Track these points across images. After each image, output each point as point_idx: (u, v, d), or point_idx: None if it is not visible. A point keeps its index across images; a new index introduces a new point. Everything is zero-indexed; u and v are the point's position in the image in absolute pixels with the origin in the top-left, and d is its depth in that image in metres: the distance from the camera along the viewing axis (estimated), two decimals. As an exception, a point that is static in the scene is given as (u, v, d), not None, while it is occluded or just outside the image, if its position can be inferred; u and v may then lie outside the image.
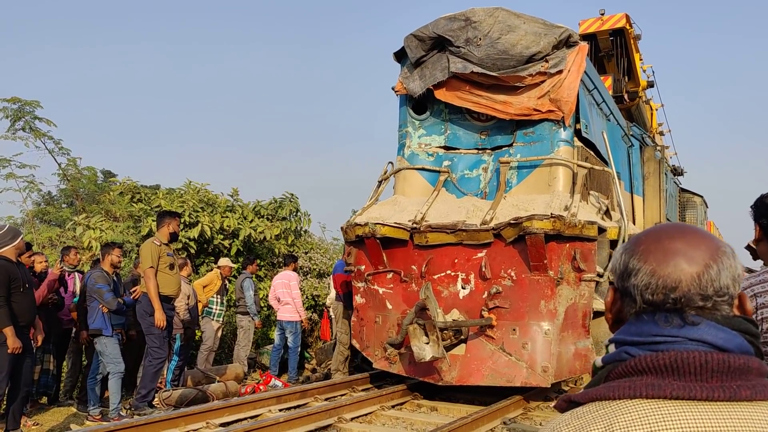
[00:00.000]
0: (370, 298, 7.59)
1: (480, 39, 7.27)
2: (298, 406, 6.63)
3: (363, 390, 7.66)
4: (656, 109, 16.91)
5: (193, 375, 8.44)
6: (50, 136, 12.49)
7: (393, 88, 8.30)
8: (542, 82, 7.30)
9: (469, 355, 6.72)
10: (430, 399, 7.33)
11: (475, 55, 7.27)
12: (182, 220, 10.21)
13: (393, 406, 6.89)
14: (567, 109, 7.26)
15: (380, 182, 8.44)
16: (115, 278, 7.34)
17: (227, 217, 10.90)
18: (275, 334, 9.64)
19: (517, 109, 7.41)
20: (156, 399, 6.98)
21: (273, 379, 8.70)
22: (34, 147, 12.20)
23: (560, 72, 7.23)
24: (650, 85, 14.33)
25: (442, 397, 7.45)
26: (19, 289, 5.57)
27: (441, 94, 7.73)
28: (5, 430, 5.93)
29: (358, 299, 7.79)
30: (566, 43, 7.23)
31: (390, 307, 7.37)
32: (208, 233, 10.32)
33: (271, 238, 11.46)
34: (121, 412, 6.89)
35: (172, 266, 6.91)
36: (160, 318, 6.65)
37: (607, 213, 7.43)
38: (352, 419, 6.14)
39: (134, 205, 11.17)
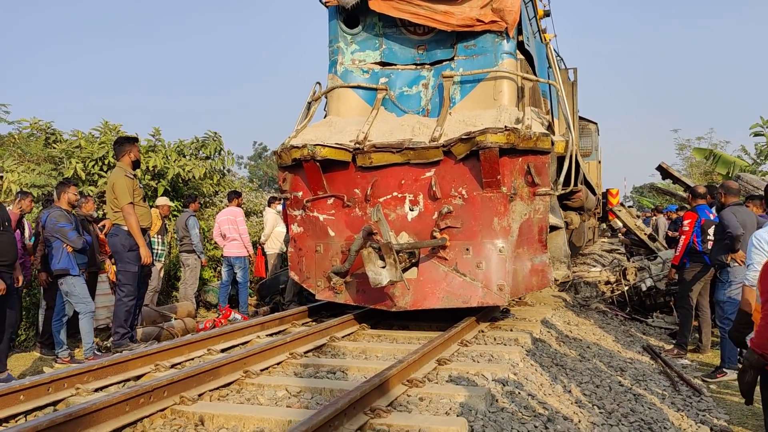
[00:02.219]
0: (309, 226, 7.09)
1: (417, -57, 6.74)
2: (280, 332, 6.67)
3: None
4: (550, 40, 17.21)
5: (148, 314, 8.18)
6: None
7: (321, 0, 7.62)
8: (485, -10, 6.93)
9: (422, 278, 6.43)
10: (374, 329, 7.05)
11: (413, -38, 6.74)
12: (105, 162, 9.33)
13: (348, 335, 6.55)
14: (511, 19, 6.94)
15: (309, 103, 7.83)
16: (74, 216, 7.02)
17: (150, 157, 9.99)
18: (223, 270, 9.65)
19: (459, 20, 6.99)
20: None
21: (233, 312, 8.75)
22: None
23: (504, -20, 6.87)
24: (547, 14, 14.41)
25: (386, 326, 7.20)
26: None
27: (375, 5, 7.15)
28: None
29: (294, 228, 7.26)
30: (508, -53, 6.85)
31: (332, 234, 6.92)
32: (141, 174, 9.46)
33: (198, 177, 10.73)
34: (96, 351, 6.64)
35: (144, 197, 6.66)
36: (146, 254, 6.48)
37: (549, 128, 7.28)
38: (343, 337, 5.92)
39: (54, 146, 9.96)
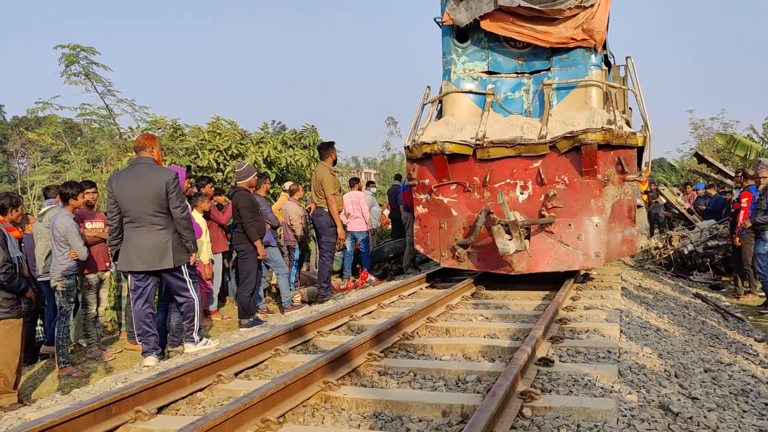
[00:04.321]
0: (434, 207, 8.72)
1: (524, -25, 8.29)
2: (411, 294, 8.28)
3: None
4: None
5: (303, 279, 9.77)
6: (99, 77, 13.20)
7: (436, 20, 9.21)
8: (577, 14, 8.47)
9: (534, 248, 8.09)
10: (489, 290, 8.76)
11: (520, -10, 8.30)
12: (229, 153, 11.01)
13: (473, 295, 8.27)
14: (599, 38, 8.48)
15: (424, 105, 9.43)
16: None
17: (260, 148, 11.70)
18: (347, 243, 10.96)
19: (556, 38, 8.54)
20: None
21: (369, 275, 10.50)
22: (84, 89, 12.79)
23: (592, 5, 8.42)
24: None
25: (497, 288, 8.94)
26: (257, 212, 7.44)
27: (486, 25, 8.71)
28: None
29: (420, 209, 8.90)
30: (598, -21, 8.40)
31: (455, 214, 8.54)
32: (261, 163, 11.15)
33: (304, 165, 12.46)
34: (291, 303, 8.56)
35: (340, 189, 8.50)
36: (342, 231, 8.59)
37: (627, 125, 8.87)
38: (456, 304, 7.55)
39: (189, 140, 11.67)
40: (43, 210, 7.94)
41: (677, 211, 15.40)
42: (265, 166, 11.91)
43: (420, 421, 3.53)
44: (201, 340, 6.05)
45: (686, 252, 12.39)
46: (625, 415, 3.47)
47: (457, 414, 3.54)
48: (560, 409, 3.46)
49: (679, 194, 16.59)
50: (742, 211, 9.56)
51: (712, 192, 15.47)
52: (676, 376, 4.61)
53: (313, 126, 13.36)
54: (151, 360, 5.70)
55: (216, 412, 3.16)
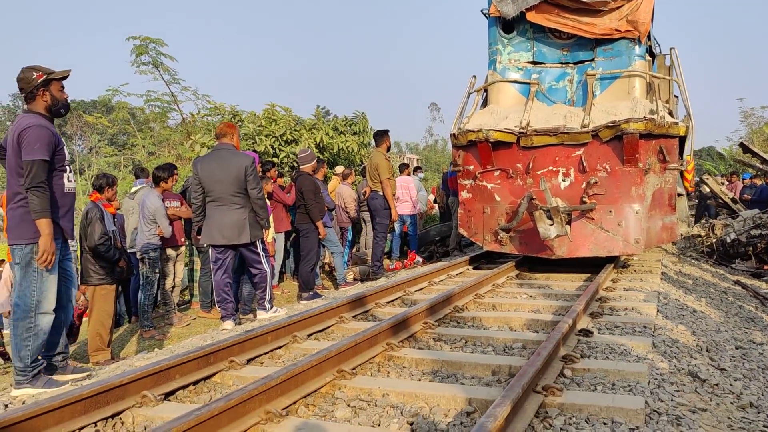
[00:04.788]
0: (478, 193, 9.07)
1: (571, -32, 8.52)
2: (458, 274, 8.83)
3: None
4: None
5: (354, 258, 10.45)
6: (166, 67, 14.22)
7: (483, 11, 9.52)
8: (622, 5, 8.66)
9: (575, 234, 8.38)
10: (532, 272, 9.11)
11: (566, -17, 8.54)
12: (284, 138, 11.57)
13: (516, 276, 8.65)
14: (643, 29, 8.65)
15: (469, 94, 9.76)
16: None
17: (313, 134, 12.25)
18: (395, 225, 11.46)
19: (600, 30, 8.74)
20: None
21: (416, 256, 11.07)
22: (152, 78, 13.89)
23: (637, -3, 8.63)
24: None
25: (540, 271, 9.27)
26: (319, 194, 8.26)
27: (532, 16, 8.98)
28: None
29: (464, 194, 9.25)
30: (643, -29, 8.57)
31: (498, 199, 8.87)
32: (313, 148, 11.70)
33: (355, 151, 13.02)
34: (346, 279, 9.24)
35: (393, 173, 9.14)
36: (395, 213, 9.30)
37: (670, 114, 9.05)
38: (502, 283, 7.97)
39: (247, 126, 12.33)
40: (134, 189, 8.80)
41: (721, 201, 15.44)
42: (317, 150, 12.44)
43: (473, 378, 4.02)
44: (272, 308, 6.76)
45: (729, 240, 12.48)
46: (656, 378, 3.88)
47: (506, 373, 4.03)
48: (597, 371, 3.91)
49: (723, 183, 16.59)
50: None
51: (758, 182, 15.43)
52: (707, 350, 4.96)
53: (363, 113, 13.89)
54: (228, 324, 6.41)
55: (302, 360, 3.75)
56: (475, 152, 8.86)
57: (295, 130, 12.31)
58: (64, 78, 4.70)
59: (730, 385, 4.07)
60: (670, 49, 12.42)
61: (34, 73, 4.54)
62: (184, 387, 3.92)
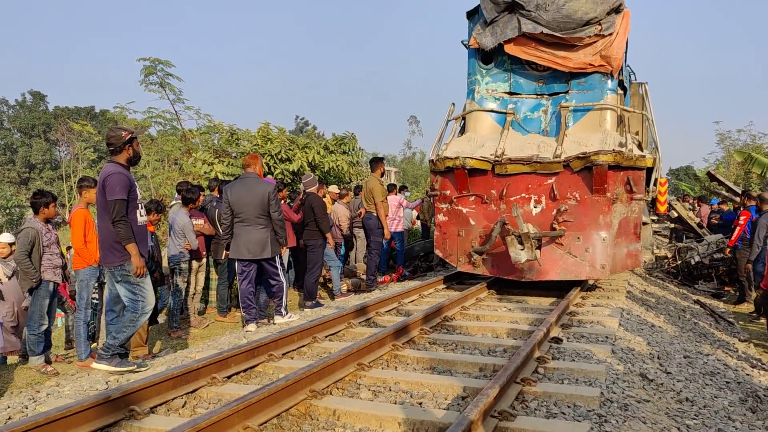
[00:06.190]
0: (453, 216, 9.38)
1: (548, 5, 8.92)
2: (444, 288, 9.78)
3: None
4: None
5: (346, 272, 11.63)
6: (173, 87, 14.71)
7: (463, 42, 9.90)
8: (596, 41, 9.06)
9: (544, 258, 8.76)
10: (500, 294, 9.49)
11: (543, 18, 8.89)
12: (278, 157, 11.94)
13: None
14: (616, 64, 9.03)
15: (448, 121, 10.10)
16: None
17: (306, 153, 12.67)
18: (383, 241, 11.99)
19: (575, 64, 9.11)
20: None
21: (403, 270, 12.15)
22: (157, 96, 14.71)
23: (611, 34, 9.02)
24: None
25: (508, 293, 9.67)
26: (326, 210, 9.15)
27: (510, 49, 9.32)
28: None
29: (440, 218, 9.55)
30: (616, 9, 8.98)
31: (473, 223, 9.20)
32: (305, 167, 12.11)
33: (345, 169, 13.51)
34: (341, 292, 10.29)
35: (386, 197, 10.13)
36: (388, 232, 10.35)
37: (639, 147, 9.50)
38: (484, 297, 8.73)
39: (244, 145, 12.70)
40: (171, 204, 9.85)
41: (687, 225, 16.07)
42: (309, 169, 12.96)
43: (464, 373, 5.02)
44: (287, 314, 7.81)
45: (693, 263, 13.20)
46: (612, 377, 4.81)
47: (491, 370, 5.04)
48: (565, 370, 4.90)
49: (691, 209, 17.28)
50: (737, 228, 10.35)
51: (725, 207, 16.11)
52: (658, 357, 5.85)
53: (353, 133, 14.56)
54: (251, 327, 7.47)
55: (330, 356, 4.74)
56: (452, 178, 9.19)
57: (289, 150, 12.89)
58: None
59: (673, 385, 4.94)
60: (641, 84, 13.00)
61: (122, 132, 5.59)
62: (237, 373, 4.98)
